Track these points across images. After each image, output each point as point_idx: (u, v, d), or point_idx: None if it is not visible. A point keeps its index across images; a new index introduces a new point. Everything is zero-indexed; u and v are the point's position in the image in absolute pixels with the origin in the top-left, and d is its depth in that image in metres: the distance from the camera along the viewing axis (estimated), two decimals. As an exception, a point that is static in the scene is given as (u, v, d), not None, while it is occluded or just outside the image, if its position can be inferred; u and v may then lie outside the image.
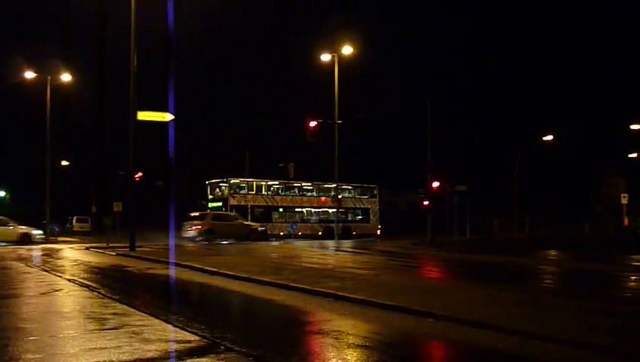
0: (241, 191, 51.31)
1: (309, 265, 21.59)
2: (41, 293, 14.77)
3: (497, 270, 23.29)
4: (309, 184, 56.56)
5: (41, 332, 9.88)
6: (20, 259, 26.56)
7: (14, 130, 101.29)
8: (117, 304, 12.87)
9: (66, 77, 50.36)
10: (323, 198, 56.08)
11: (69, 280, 17.60)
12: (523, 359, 8.68)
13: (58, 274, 19.44)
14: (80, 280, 17.58)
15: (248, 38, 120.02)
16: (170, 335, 9.48)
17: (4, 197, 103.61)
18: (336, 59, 46.95)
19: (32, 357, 8.15)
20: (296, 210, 54.82)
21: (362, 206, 58.42)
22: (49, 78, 49.78)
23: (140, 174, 32.71)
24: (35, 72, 49.63)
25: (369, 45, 70.72)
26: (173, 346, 8.73)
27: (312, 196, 56.27)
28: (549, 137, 54.81)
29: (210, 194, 52.54)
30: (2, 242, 38.61)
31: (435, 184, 43.54)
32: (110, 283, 18.05)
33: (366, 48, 57.24)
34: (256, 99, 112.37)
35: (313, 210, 55.93)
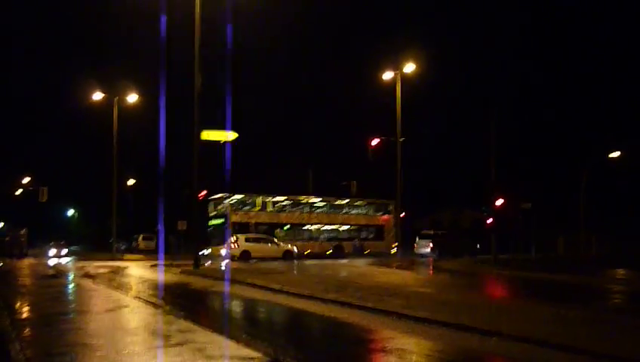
0: (245, 208, 49.31)
1: (371, 284, 21.49)
2: (107, 310, 15.01)
3: (563, 289, 22.80)
4: (320, 200, 54.22)
5: (108, 348, 10.03)
6: (88, 276, 27.09)
7: (83, 150, 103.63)
8: (181, 321, 13.00)
9: (132, 97, 51.32)
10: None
11: (135, 297, 17.87)
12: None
13: (124, 291, 19.76)
14: (145, 297, 17.84)
15: (311, 56, 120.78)
16: (233, 352, 9.50)
17: (73, 215, 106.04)
18: (398, 77, 46.84)
19: (98, 372, 8.30)
20: (304, 227, 52.44)
21: (376, 223, 55.50)
22: (116, 98, 50.83)
23: (204, 193, 33.05)
24: (103, 93, 50.75)
25: (431, 63, 70.35)
26: (236, 363, 8.77)
27: (321, 212, 53.89)
28: (616, 154, 53.32)
29: (214, 211, 50.65)
30: (268, 258, 40.93)
31: (499, 202, 42.89)
32: (174, 301, 18.26)
33: (428, 66, 56.73)
34: (318, 116, 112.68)
35: (322, 227, 53.34)
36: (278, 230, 50.07)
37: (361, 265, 35.62)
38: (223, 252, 45.18)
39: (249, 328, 12.58)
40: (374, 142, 46.28)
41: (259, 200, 49.78)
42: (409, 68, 46.31)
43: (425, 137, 57.31)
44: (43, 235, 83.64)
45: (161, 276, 27.65)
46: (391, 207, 55.42)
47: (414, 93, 50.42)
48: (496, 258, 38.16)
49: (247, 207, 49.26)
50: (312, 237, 52.53)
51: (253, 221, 48.54)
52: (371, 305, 14.61)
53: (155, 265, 35.17)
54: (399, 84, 46.83)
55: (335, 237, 52.87)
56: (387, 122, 49.01)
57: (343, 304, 15.40)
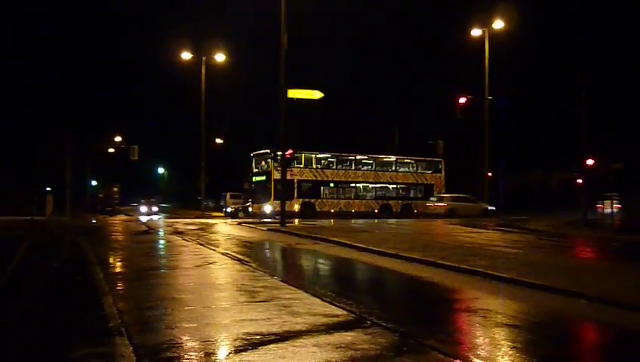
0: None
1: (456, 243, 21.35)
2: (196, 266, 15.39)
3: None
4: (366, 157, 51.88)
5: (196, 303, 10.31)
6: (177, 232, 27.74)
7: (172, 108, 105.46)
8: (267, 277, 13.23)
9: (219, 57, 51.95)
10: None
11: (222, 253, 18.24)
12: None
13: (212, 247, 20.17)
14: (232, 253, 18.17)
15: (397, 13, 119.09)
16: (317, 309, 9.62)
17: (164, 174, 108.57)
18: (486, 34, 46.03)
19: (187, 325, 8.53)
20: (351, 185, 50.12)
21: (425, 182, 53.06)
22: (204, 58, 51.56)
23: (291, 151, 33.26)
24: (191, 53, 51.55)
25: (520, 16, 68.30)
26: (321, 320, 8.86)
27: (368, 170, 51.48)
28: None
29: (255, 168, 49.08)
30: (469, 216, 42.77)
31: (590, 162, 41.81)
32: (261, 257, 18.61)
33: (518, 20, 55.30)
34: (404, 75, 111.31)
35: (370, 185, 51.09)
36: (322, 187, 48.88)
37: (445, 224, 35.34)
38: (267, 209, 44.93)
39: (334, 285, 12.72)
40: (462, 100, 45.64)
41: (302, 156, 48.06)
42: (498, 25, 45.40)
43: (515, 95, 56.07)
44: (134, 193, 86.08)
45: (248, 233, 28.10)
46: (441, 165, 53.83)
47: (504, 51, 49.42)
48: (587, 219, 37.30)
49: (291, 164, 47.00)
50: (358, 195, 50.54)
51: (296, 178, 46.77)
52: (456, 264, 14.55)
53: (242, 223, 35.75)
54: (487, 41, 46.02)
55: (382, 196, 51.16)
56: (477, 80, 48.27)
57: (427, 263, 15.38)
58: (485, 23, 46.20)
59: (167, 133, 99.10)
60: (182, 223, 35.98)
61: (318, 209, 47.05)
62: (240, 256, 17.44)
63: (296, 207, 45.66)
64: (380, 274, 15.09)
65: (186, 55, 51.74)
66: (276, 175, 44.55)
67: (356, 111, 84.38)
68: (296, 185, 46.47)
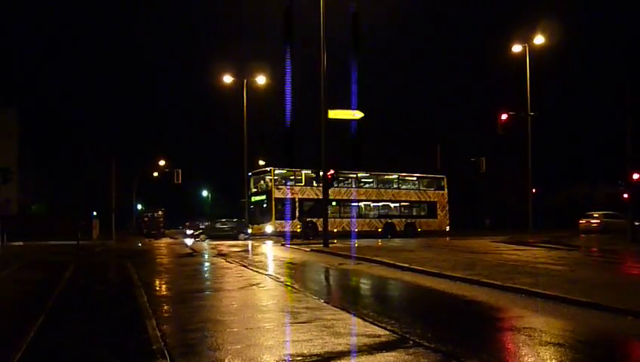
0: (288, 183, 45.61)
1: (500, 261, 21.17)
2: (239, 288, 15.45)
3: None
4: (367, 175, 50.38)
5: (239, 325, 10.35)
6: (221, 254, 27.91)
7: (215, 131, 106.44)
8: (309, 298, 13.24)
9: (260, 79, 52.46)
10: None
11: (266, 275, 18.31)
12: None
13: (255, 269, 20.25)
14: (275, 275, 18.27)
15: (437, 29, 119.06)
16: (359, 330, 9.62)
17: (208, 197, 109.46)
18: (527, 49, 45.76)
19: (230, 347, 8.58)
20: (353, 204, 48.21)
21: (429, 199, 51.70)
22: (245, 81, 52.09)
23: (332, 172, 33.28)
24: (233, 76, 52.16)
25: (561, 30, 67.85)
26: (363, 340, 8.86)
27: (370, 188, 50.14)
28: None
29: (254, 187, 48.33)
30: (621, 232, 41.70)
31: (637, 176, 41.10)
32: (303, 279, 18.63)
33: (558, 34, 54.83)
34: (446, 92, 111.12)
35: (372, 203, 49.71)
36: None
37: (488, 242, 35.01)
38: (268, 230, 44.06)
39: (376, 305, 12.69)
40: (503, 116, 45.28)
41: (303, 175, 46.54)
42: (539, 40, 45.15)
43: (557, 111, 55.62)
44: (179, 216, 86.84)
45: (291, 254, 28.16)
46: (444, 182, 52.54)
47: (546, 65, 49.10)
48: (634, 234, 36.68)
49: (292, 183, 45.97)
50: (361, 214, 48.85)
51: (297, 197, 45.37)
52: (500, 282, 14.43)
53: (285, 244, 35.84)
54: (528, 56, 45.76)
55: (385, 215, 49.78)
56: (518, 95, 48.00)
57: (471, 281, 15.27)
58: (526, 39, 45.99)
59: (210, 156, 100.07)
60: (226, 245, 36.18)
61: (320, 229, 43.17)
62: (283, 278, 17.53)
63: (298, 227, 44.07)
64: (423, 294, 15.00)
65: (228, 78, 52.41)
66: (277, 194, 44.46)
67: (397, 129, 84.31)
68: (297, 205, 45.17)
